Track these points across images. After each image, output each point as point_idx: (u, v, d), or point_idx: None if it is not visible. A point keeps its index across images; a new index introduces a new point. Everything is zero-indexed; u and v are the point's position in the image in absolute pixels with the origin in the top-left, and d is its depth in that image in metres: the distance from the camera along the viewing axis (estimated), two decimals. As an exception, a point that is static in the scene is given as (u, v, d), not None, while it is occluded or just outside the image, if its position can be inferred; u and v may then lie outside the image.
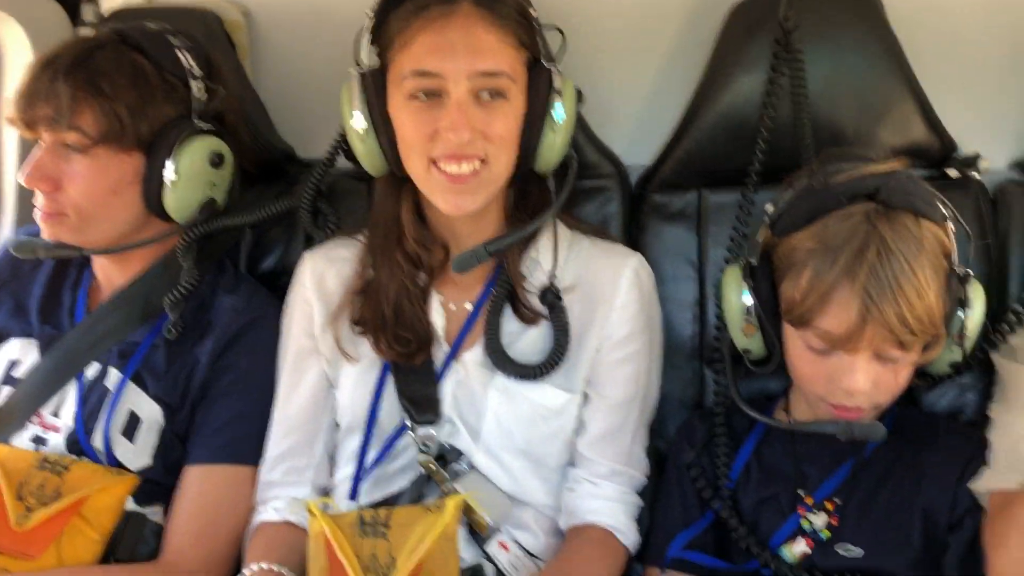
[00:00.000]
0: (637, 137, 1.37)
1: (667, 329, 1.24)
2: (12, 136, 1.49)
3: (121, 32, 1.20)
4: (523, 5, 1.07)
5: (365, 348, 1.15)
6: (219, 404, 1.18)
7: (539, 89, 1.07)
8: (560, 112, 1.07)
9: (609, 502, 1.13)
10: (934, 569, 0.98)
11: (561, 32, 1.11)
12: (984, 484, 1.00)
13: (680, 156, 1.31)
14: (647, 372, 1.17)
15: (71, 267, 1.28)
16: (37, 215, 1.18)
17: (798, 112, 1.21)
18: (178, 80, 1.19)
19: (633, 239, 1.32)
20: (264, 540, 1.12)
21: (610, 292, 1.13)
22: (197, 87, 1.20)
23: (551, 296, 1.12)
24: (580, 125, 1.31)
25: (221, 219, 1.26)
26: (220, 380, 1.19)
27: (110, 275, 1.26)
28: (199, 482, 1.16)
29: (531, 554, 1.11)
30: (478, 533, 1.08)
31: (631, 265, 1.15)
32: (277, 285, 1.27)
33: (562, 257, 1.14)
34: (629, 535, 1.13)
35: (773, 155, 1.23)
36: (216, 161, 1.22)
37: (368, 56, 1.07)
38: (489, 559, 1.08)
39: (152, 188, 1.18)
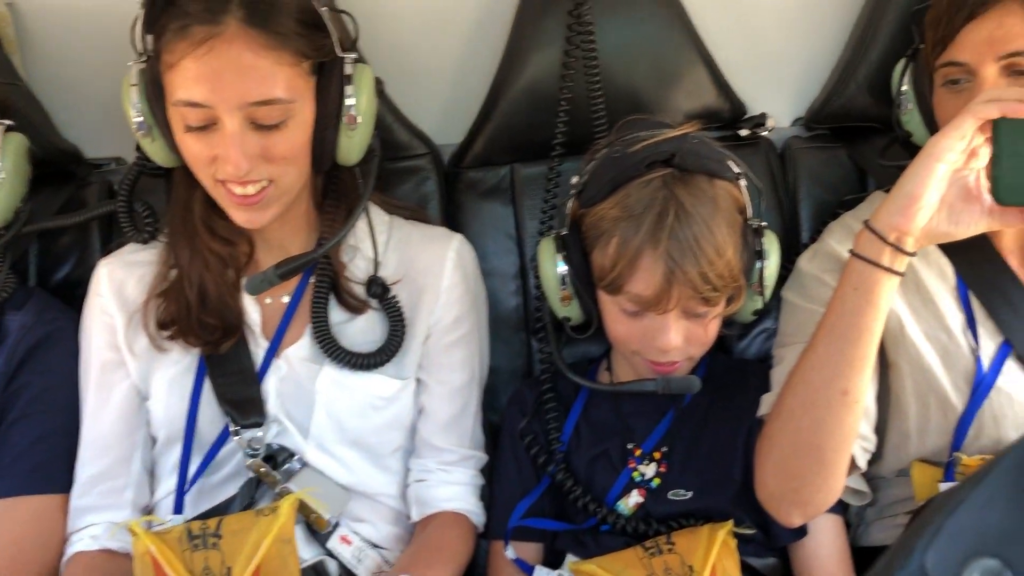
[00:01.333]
0: (447, 116, 1.37)
1: (492, 303, 1.25)
2: None
3: None
4: (303, 7, 0.99)
5: (175, 355, 1.09)
6: (16, 430, 1.09)
7: (329, 93, 1.01)
8: (355, 109, 1.03)
9: (460, 487, 1.14)
10: (754, 500, 1.04)
11: (353, 19, 1.08)
12: (761, 411, 1.07)
13: (489, 132, 1.32)
14: (480, 352, 1.18)
15: None
16: None
17: (591, 83, 1.24)
18: None
19: (451, 217, 1.32)
20: (80, 571, 1.05)
21: (435, 277, 1.13)
22: None
23: (377, 287, 1.10)
24: (389, 107, 1.29)
25: (39, 222, 1.19)
26: (15, 404, 1.10)
27: None
28: (3, 517, 1.07)
29: (374, 544, 1.10)
30: (317, 530, 1.05)
31: (453, 247, 1.15)
32: (73, 296, 1.19)
33: (381, 243, 1.12)
34: (479, 515, 1.15)
35: (576, 126, 1.25)
36: (30, 159, 1.15)
37: (143, 47, 1.00)
38: (331, 555, 1.05)
39: None
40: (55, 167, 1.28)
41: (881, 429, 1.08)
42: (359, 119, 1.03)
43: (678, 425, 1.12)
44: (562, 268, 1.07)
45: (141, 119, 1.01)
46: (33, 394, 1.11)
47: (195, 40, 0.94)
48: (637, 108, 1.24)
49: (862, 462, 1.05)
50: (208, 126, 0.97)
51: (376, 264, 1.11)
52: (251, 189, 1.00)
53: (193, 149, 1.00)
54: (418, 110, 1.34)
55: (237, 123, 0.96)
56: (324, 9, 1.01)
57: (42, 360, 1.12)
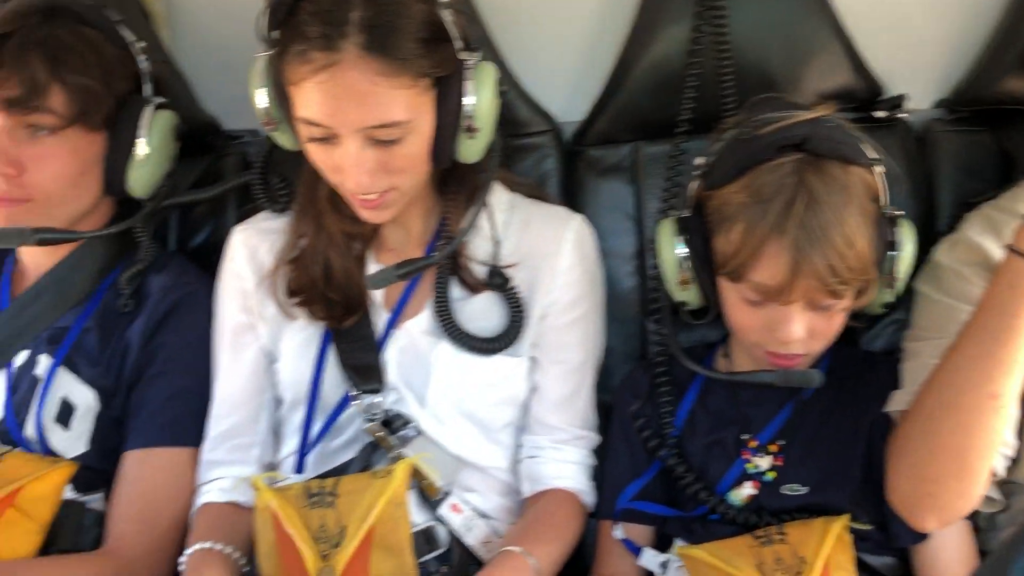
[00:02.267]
0: (570, 93, 1.36)
1: (609, 283, 1.24)
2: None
3: (57, 5, 1.14)
4: (426, 20, 0.97)
5: (302, 321, 1.13)
6: (154, 385, 1.16)
7: (449, 102, 1.01)
8: (474, 116, 1.01)
9: (572, 465, 1.14)
10: (874, 499, 1.00)
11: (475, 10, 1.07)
12: (891, 407, 1.03)
13: (613, 110, 1.31)
14: (596, 333, 1.18)
15: None
16: None
17: (721, 60, 1.20)
18: (126, 53, 1.16)
19: (570, 195, 1.32)
20: (207, 521, 1.10)
21: (553, 257, 1.12)
22: (142, 60, 1.18)
23: (498, 278, 1.11)
24: (513, 83, 1.30)
25: (178, 195, 1.25)
26: (154, 361, 1.16)
27: (37, 258, 1.22)
28: (138, 467, 1.14)
29: (484, 515, 1.11)
30: (429, 497, 1.07)
31: (573, 228, 1.15)
32: (209, 263, 1.25)
33: (501, 223, 1.13)
34: (590, 494, 1.14)
35: (703, 104, 1.23)
36: (176, 135, 1.21)
37: (269, 46, 1.01)
38: (441, 522, 1.07)
39: (118, 166, 1.16)
40: (195, 139, 1.34)
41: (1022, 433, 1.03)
42: (479, 125, 1.02)
43: (798, 418, 1.09)
44: (682, 251, 1.05)
45: (267, 115, 1.04)
46: (170, 353, 1.17)
47: (314, 67, 0.95)
48: (767, 87, 1.20)
49: (1002, 469, 1.00)
50: (330, 139, 0.99)
51: (496, 245, 1.11)
52: (372, 196, 1.02)
53: (317, 157, 1.02)
54: (541, 87, 1.34)
55: (356, 144, 0.98)
56: (449, 17, 0.99)
57: (179, 321, 1.18)
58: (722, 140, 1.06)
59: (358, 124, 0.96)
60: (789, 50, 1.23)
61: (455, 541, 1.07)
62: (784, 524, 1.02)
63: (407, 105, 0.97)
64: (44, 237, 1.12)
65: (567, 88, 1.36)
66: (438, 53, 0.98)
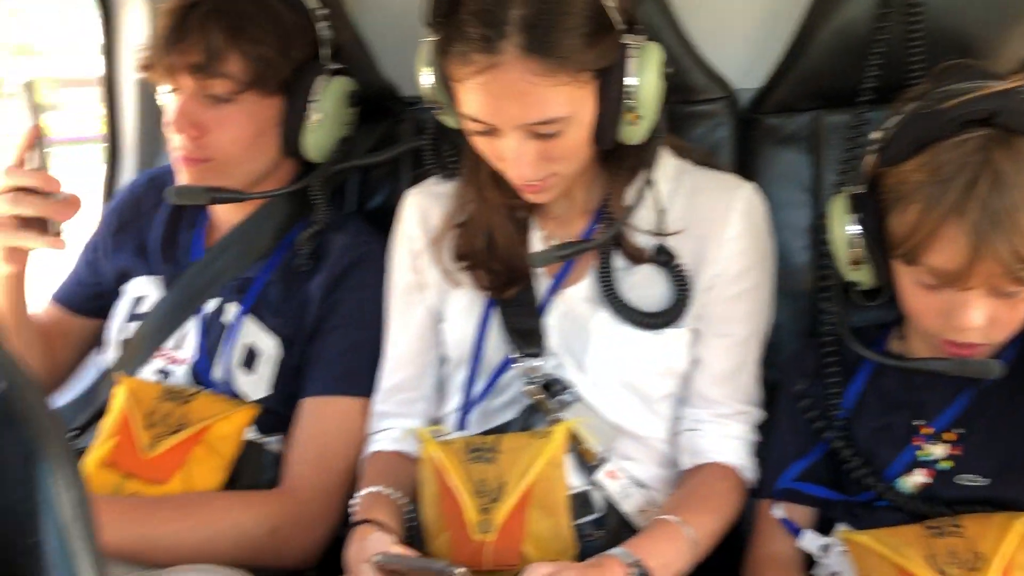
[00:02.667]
0: (749, 58, 1.32)
1: (781, 257, 1.20)
2: (131, 82, 1.54)
3: None
4: (589, 13, 0.95)
5: (468, 283, 1.16)
6: (332, 337, 1.22)
7: (610, 91, 1.00)
8: (638, 102, 1.00)
9: (733, 440, 1.12)
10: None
11: None
12: None
13: (794, 76, 1.25)
14: (764, 306, 1.14)
15: (187, 207, 1.33)
16: (174, 160, 1.21)
17: (911, 23, 1.13)
18: (306, 21, 1.21)
19: (744, 164, 1.28)
20: (376, 467, 1.15)
21: (721, 226, 1.10)
22: (322, 27, 1.22)
23: (664, 255, 1.10)
24: (687, 48, 1.27)
25: (353, 158, 1.30)
26: (332, 314, 1.22)
27: (228, 214, 1.30)
28: (314, 413, 1.20)
29: (641, 484, 1.11)
30: (586, 461, 1.08)
31: (742, 196, 1.12)
32: (385, 224, 1.29)
33: (667, 192, 1.11)
34: (751, 471, 1.12)
35: (890, 71, 1.16)
36: (352, 101, 1.26)
37: (435, 28, 1.02)
38: (597, 487, 1.08)
39: (293, 130, 1.22)
40: (374, 104, 1.39)
41: None
42: (642, 111, 1.01)
43: (978, 406, 1.02)
44: (854, 229, 1.01)
45: (433, 99, 1.06)
46: (346, 308, 1.23)
47: (475, 68, 0.96)
48: (962, 52, 1.12)
49: None
50: (491, 132, 1.01)
51: (660, 214, 1.10)
52: (534, 181, 1.04)
53: (480, 146, 1.05)
54: (718, 52, 1.30)
55: (517, 138, 0.99)
56: (612, 3, 0.97)
57: (356, 278, 1.23)
58: (901, 113, 0.99)
59: (518, 121, 0.98)
60: (989, 10, 1.14)
61: (611, 507, 1.08)
62: (959, 516, 0.97)
63: (567, 100, 0.97)
64: (215, 196, 1.20)
65: (745, 53, 1.32)
66: (601, 45, 0.97)
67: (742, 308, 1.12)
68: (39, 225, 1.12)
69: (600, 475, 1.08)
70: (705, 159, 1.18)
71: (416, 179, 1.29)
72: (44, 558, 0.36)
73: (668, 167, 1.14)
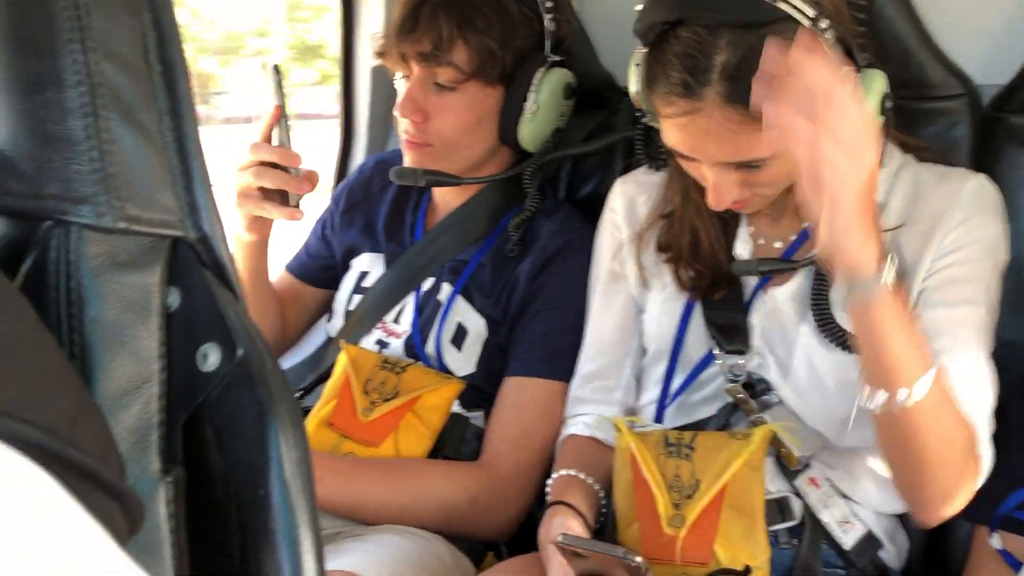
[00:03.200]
0: (992, 52, 1.22)
1: (1019, 268, 1.10)
2: (367, 68, 1.64)
3: None
4: None
5: (669, 278, 1.15)
6: (536, 321, 1.25)
7: None
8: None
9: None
10: None
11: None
12: None
13: (1045, 72, 1.15)
14: (986, 315, 1.02)
15: (413, 190, 1.40)
16: (401, 143, 1.29)
17: None
18: (532, 13, 1.25)
19: (982, 166, 1.18)
20: (572, 451, 1.18)
21: (944, 219, 1.01)
22: (549, 19, 1.25)
23: None
24: (925, 40, 1.19)
25: (566, 148, 1.32)
26: (537, 298, 1.25)
27: (447, 198, 1.36)
28: (516, 392, 1.24)
29: (845, 495, 1.07)
30: (787, 466, 1.05)
31: (970, 186, 1.03)
32: (595, 211, 1.31)
33: (883, 190, 1.03)
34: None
35: None
36: (568, 93, 1.28)
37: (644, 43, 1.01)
38: (797, 494, 1.05)
39: (510, 119, 1.26)
40: (592, 94, 1.40)
41: None
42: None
43: None
44: None
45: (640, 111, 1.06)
46: (551, 293, 1.26)
47: (675, 110, 0.95)
48: None
49: None
50: (692, 159, 1.00)
51: (878, 209, 1.04)
52: (737, 200, 1.02)
53: (682, 164, 1.04)
54: (958, 45, 1.21)
55: (717, 171, 0.98)
56: (830, 38, 0.92)
57: (562, 263, 1.26)
58: None
59: (718, 159, 0.97)
60: None
61: (809, 516, 1.04)
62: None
63: (771, 144, 0.93)
64: (431, 179, 1.26)
65: (989, 47, 1.22)
66: None
67: (959, 314, 1.00)
68: (280, 197, 1.22)
69: (800, 481, 1.05)
70: (934, 158, 1.11)
71: (627, 169, 1.30)
72: (270, 509, 0.41)
73: (892, 161, 1.07)
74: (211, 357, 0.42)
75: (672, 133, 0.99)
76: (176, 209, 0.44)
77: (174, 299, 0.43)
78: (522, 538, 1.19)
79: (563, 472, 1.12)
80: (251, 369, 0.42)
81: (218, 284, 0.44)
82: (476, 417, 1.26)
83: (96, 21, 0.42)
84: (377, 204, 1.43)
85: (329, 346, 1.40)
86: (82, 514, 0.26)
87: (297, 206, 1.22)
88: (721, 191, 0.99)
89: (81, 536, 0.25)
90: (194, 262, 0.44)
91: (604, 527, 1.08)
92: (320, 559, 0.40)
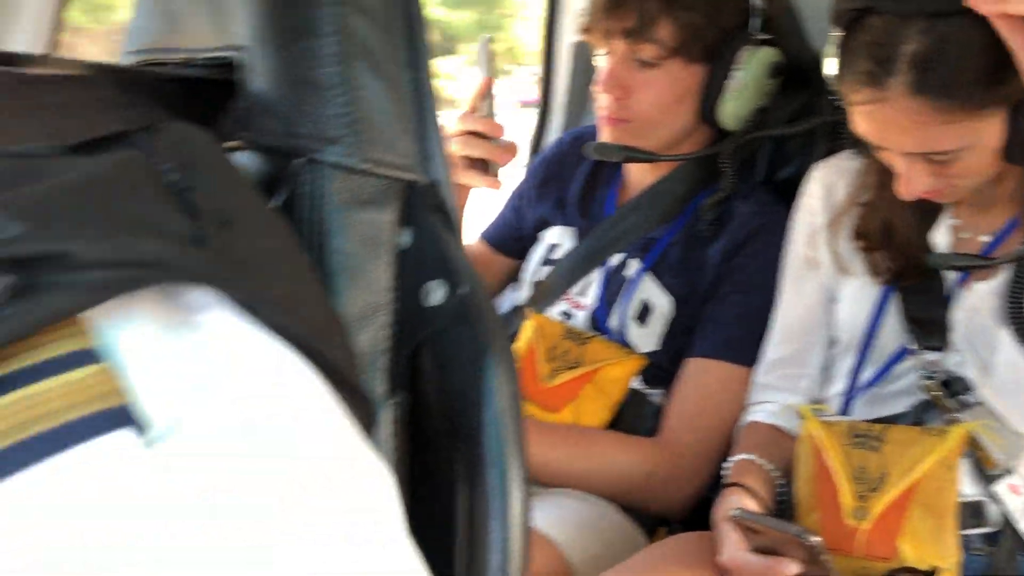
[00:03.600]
0: None
1: None
2: (566, 45, 1.67)
3: None
4: (989, 49, 0.85)
5: (862, 267, 1.11)
6: (724, 303, 1.24)
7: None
8: None
9: None
10: None
11: None
12: None
13: None
14: None
15: (607, 166, 1.41)
16: (599, 119, 1.31)
17: None
18: None
19: None
20: (752, 437, 1.16)
21: None
22: None
23: None
24: None
25: (768, 128, 1.31)
26: (727, 280, 1.24)
27: (641, 175, 1.37)
28: (698, 374, 1.24)
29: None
30: (984, 470, 1.00)
31: None
32: (791, 195, 1.28)
33: None
34: None
35: None
36: (774, 72, 1.27)
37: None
38: (994, 500, 0.99)
39: (711, 97, 1.25)
40: (798, 74, 1.36)
41: None
42: None
43: None
44: None
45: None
46: (743, 275, 1.24)
47: (861, 98, 0.94)
48: None
49: None
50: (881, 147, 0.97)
51: None
52: (930, 191, 0.98)
53: (874, 152, 1.01)
54: None
55: (906, 161, 0.95)
56: None
57: (755, 247, 1.24)
58: None
59: (904, 149, 0.94)
60: None
61: (1008, 524, 0.99)
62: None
63: (961, 135, 0.91)
64: (629, 155, 1.26)
65: None
66: (1004, 83, 0.88)
67: None
68: (482, 166, 1.26)
69: (1000, 487, 0.99)
70: None
71: (830, 152, 1.26)
72: (483, 437, 0.43)
73: None
74: (436, 293, 0.45)
75: (859, 121, 0.97)
76: (412, 155, 0.47)
77: (405, 238, 0.47)
78: (695, 518, 1.19)
79: (742, 456, 1.11)
80: (471, 307, 0.45)
81: (444, 227, 0.47)
82: (655, 395, 1.27)
83: (351, -25, 0.45)
84: (571, 178, 1.45)
85: (515, 314, 1.44)
86: (338, 408, 0.29)
87: (496, 175, 1.26)
88: (911, 181, 0.96)
89: (345, 425, 0.28)
90: (424, 205, 0.47)
91: (781, 515, 1.07)
92: (526, 488, 0.43)
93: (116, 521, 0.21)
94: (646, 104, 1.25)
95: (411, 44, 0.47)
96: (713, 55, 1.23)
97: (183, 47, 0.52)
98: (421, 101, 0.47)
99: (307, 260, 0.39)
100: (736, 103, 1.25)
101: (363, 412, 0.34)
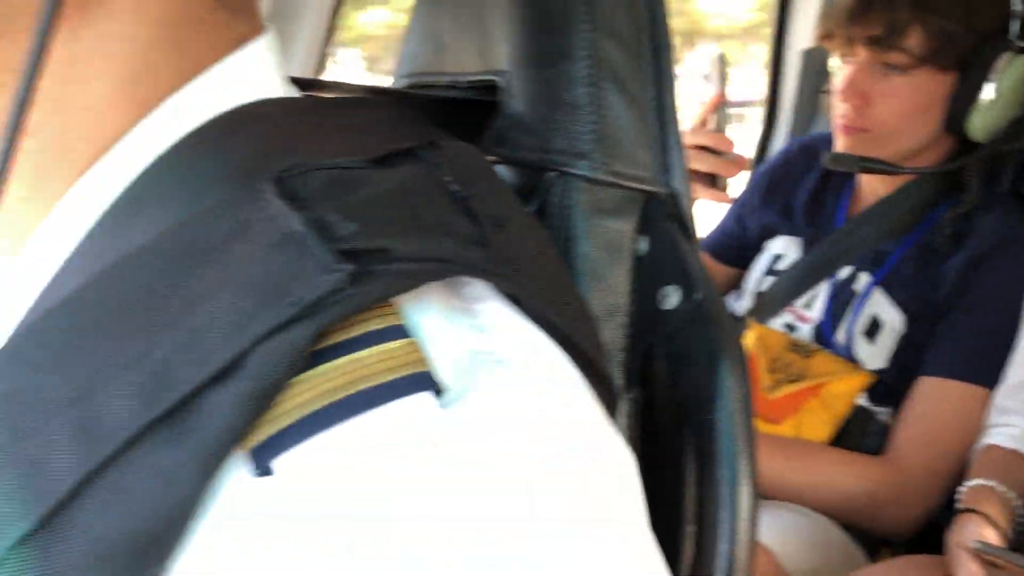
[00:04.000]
0: None
1: None
2: (796, 51, 1.65)
3: None
4: None
5: None
6: (959, 320, 1.19)
7: None
8: None
9: None
10: None
11: None
12: None
13: None
14: None
15: (837, 175, 1.38)
16: (835, 127, 1.29)
17: None
18: None
19: None
20: (990, 461, 1.10)
21: None
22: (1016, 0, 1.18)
23: None
24: None
25: (1019, 140, 1.24)
26: (965, 296, 1.19)
27: (874, 185, 1.33)
28: (931, 393, 1.19)
29: None
30: None
31: None
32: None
33: None
34: None
35: None
36: None
37: None
38: None
39: (961, 108, 1.20)
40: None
41: None
42: None
43: None
44: None
45: None
46: (982, 291, 1.18)
47: None
48: None
49: None
50: None
51: None
52: None
53: None
54: None
55: None
56: None
57: (998, 261, 1.18)
58: None
59: None
60: None
61: None
62: None
63: None
64: (866, 165, 1.23)
65: None
66: None
67: None
68: (709, 179, 1.27)
69: None
70: None
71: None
72: (715, 433, 0.46)
73: None
74: (672, 298, 0.49)
75: None
76: (652, 167, 0.50)
77: (643, 245, 0.50)
78: (919, 541, 1.14)
79: (979, 482, 1.06)
80: (706, 312, 0.47)
81: (681, 235, 0.50)
82: (883, 413, 1.23)
83: (603, 4, 0.50)
84: (798, 187, 1.43)
85: (737, 323, 1.44)
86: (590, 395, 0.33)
87: (724, 188, 1.26)
88: None
89: (598, 410, 0.32)
90: (662, 214, 0.50)
91: (1020, 545, 1.01)
92: (755, 483, 0.45)
93: (418, 465, 0.26)
94: (887, 113, 1.21)
95: (656, 64, 0.51)
96: (965, 63, 1.18)
97: (448, 71, 0.58)
98: (663, 117, 0.51)
99: (563, 262, 0.43)
100: (988, 115, 1.19)
101: (608, 400, 0.38)
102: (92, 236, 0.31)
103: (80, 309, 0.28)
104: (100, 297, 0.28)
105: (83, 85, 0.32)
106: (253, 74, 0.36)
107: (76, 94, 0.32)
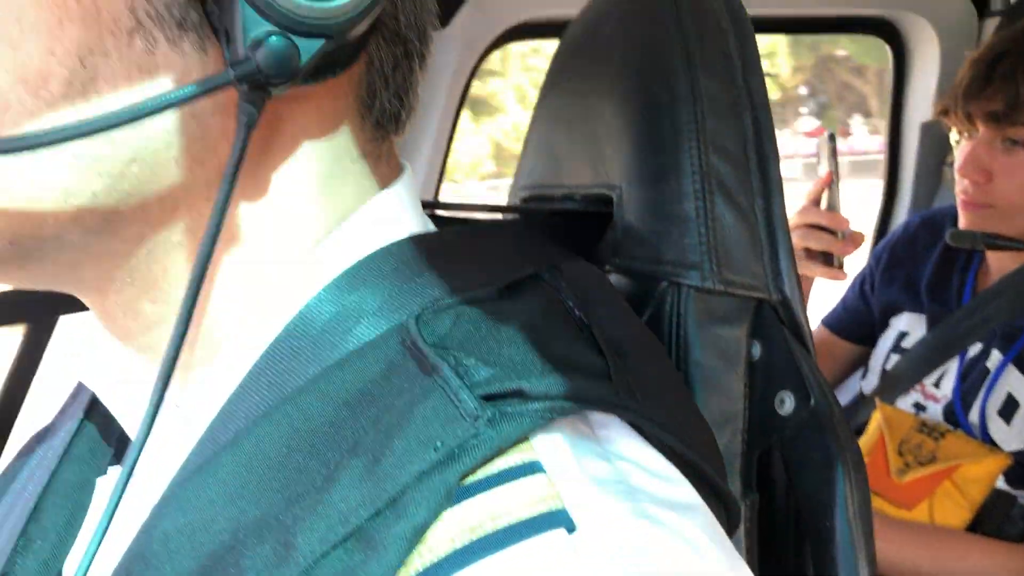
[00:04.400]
0: None
1: None
2: (915, 124, 1.63)
3: None
4: None
5: None
6: None
7: None
8: None
9: None
10: None
11: None
12: None
13: None
14: None
15: (961, 250, 1.35)
16: (958, 203, 1.26)
17: None
18: None
19: None
20: None
21: None
22: None
23: None
24: None
25: None
26: None
27: (1002, 260, 1.29)
28: None
29: None
30: None
31: None
32: None
33: None
34: None
35: None
36: None
37: None
38: None
39: None
40: None
41: None
42: None
43: None
44: None
45: None
46: None
47: None
48: None
49: None
50: None
51: None
52: None
53: None
54: None
55: None
56: None
57: None
58: None
59: None
60: None
61: None
62: None
63: None
64: (991, 242, 1.19)
65: None
66: None
67: None
68: (824, 257, 1.26)
69: None
70: None
71: None
72: (834, 541, 0.46)
73: None
74: (787, 403, 0.50)
75: None
76: (763, 275, 0.52)
77: (756, 351, 0.52)
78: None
79: None
80: (822, 417, 0.48)
81: (794, 340, 0.51)
82: (1023, 497, 1.17)
83: (710, 123, 0.52)
84: (922, 263, 1.40)
85: (861, 403, 1.41)
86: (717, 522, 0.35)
87: (840, 267, 1.25)
88: None
89: (723, 549, 0.33)
90: (775, 320, 0.52)
91: None
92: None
93: None
94: (1011, 189, 1.19)
95: (762, 174, 0.53)
96: None
97: (564, 184, 0.61)
98: (771, 225, 0.52)
99: (681, 379, 0.45)
100: None
101: (728, 515, 0.39)
102: (257, 372, 0.35)
103: (257, 451, 0.32)
104: (279, 435, 0.32)
105: (248, 247, 0.37)
106: (392, 214, 0.40)
107: (243, 251, 0.37)
